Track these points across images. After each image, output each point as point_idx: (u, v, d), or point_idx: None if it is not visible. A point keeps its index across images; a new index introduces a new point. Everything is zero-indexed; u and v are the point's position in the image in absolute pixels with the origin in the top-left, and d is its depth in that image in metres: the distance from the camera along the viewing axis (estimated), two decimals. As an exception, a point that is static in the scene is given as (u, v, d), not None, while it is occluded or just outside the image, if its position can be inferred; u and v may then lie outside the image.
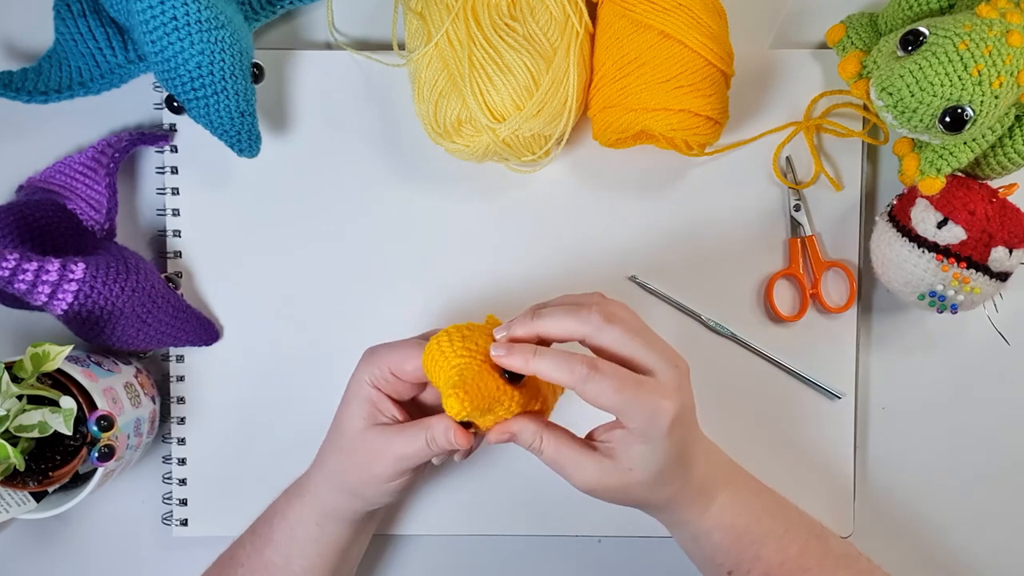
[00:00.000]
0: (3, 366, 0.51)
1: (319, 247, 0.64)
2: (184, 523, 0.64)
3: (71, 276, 0.54)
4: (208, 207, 0.64)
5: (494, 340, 0.50)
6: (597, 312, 0.48)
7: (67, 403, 0.53)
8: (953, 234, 0.55)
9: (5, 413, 0.51)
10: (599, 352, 0.49)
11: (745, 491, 0.54)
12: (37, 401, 0.54)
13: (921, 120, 0.52)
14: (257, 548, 0.56)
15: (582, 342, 0.49)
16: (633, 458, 0.49)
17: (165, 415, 0.64)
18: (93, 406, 0.55)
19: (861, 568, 0.54)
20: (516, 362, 0.48)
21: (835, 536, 0.55)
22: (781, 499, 0.56)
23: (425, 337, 0.54)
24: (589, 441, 0.51)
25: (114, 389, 0.57)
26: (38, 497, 0.58)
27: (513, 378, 0.49)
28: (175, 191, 0.63)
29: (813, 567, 0.52)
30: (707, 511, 0.53)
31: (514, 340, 0.49)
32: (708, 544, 0.53)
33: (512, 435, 0.50)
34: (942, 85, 0.50)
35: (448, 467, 0.64)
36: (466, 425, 0.51)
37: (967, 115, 0.50)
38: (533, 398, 0.51)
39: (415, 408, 0.56)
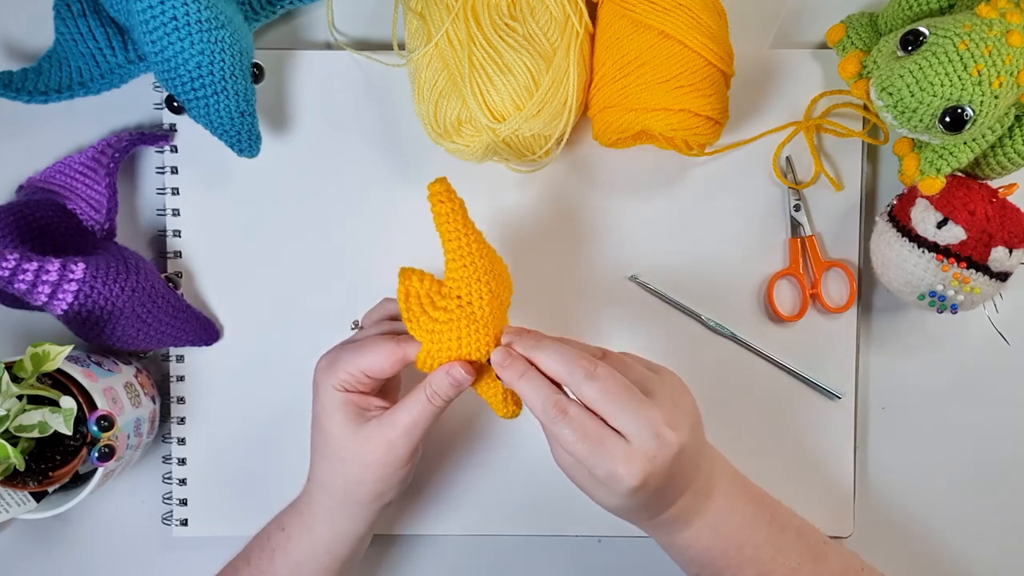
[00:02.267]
0: (3, 366, 0.52)
1: (319, 247, 0.64)
2: (184, 523, 0.64)
3: (71, 276, 0.54)
4: (208, 207, 0.64)
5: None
6: (582, 367, 0.49)
7: (67, 403, 0.53)
8: (953, 234, 0.55)
9: (5, 413, 0.51)
10: (585, 403, 0.49)
11: (732, 518, 0.53)
12: (37, 401, 0.54)
13: (921, 120, 0.52)
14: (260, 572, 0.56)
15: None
16: (597, 482, 0.49)
17: (165, 415, 0.64)
18: (93, 406, 0.55)
19: None
20: (508, 376, 0.50)
21: (839, 552, 0.55)
22: (782, 520, 0.55)
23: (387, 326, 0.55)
24: None
25: (114, 389, 0.57)
26: (38, 497, 0.58)
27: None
28: (175, 191, 0.64)
29: None
30: (679, 534, 0.53)
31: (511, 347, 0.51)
32: (681, 559, 0.54)
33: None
34: (942, 85, 0.50)
35: (448, 467, 0.64)
36: None
37: (967, 115, 0.50)
38: None
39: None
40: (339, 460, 0.53)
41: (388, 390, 0.58)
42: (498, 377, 0.52)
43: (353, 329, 0.56)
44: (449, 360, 0.51)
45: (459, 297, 0.51)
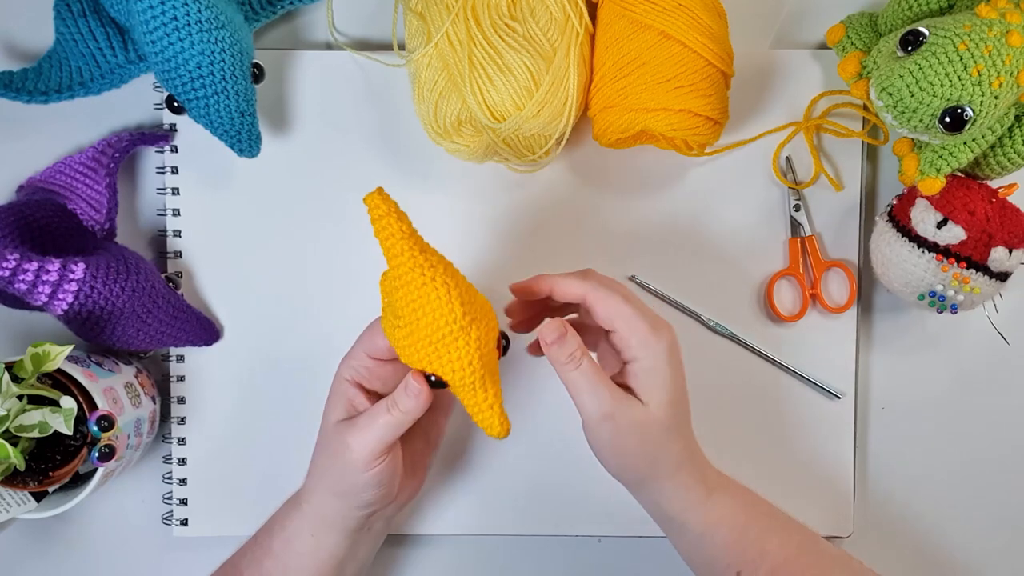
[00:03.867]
0: (3, 366, 0.52)
1: (319, 247, 0.64)
2: (184, 523, 0.64)
3: (71, 276, 0.54)
4: (208, 207, 0.64)
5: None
6: (595, 277, 0.52)
7: (67, 403, 0.53)
8: (953, 234, 0.55)
9: (5, 413, 0.51)
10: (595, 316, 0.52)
11: (740, 492, 0.55)
12: (37, 401, 0.54)
13: (921, 120, 0.52)
14: (257, 558, 0.56)
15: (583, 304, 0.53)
16: (646, 386, 0.51)
17: (165, 415, 0.64)
18: (93, 406, 0.55)
19: (854, 569, 0.55)
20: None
21: (824, 539, 0.57)
22: (770, 502, 0.57)
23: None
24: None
25: (114, 389, 0.57)
26: (38, 497, 0.58)
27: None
28: (175, 191, 0.64)
29: (814, 564, 0.54)
30: (707, 502, 0.53)
31: (520, 288, 0.54)
32: (712, 543, 0.54)
33: (562, 335, 0.51)
34: (942, 85, 0.50)
35: (448, 467, 0.64)
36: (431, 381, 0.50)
37: (967, 115, 0.50)
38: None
39: None
40: (320, 446, 0.55)
41: (429, 430, 0.58)
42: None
43: None
44: (425, 343, 0.48)
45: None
